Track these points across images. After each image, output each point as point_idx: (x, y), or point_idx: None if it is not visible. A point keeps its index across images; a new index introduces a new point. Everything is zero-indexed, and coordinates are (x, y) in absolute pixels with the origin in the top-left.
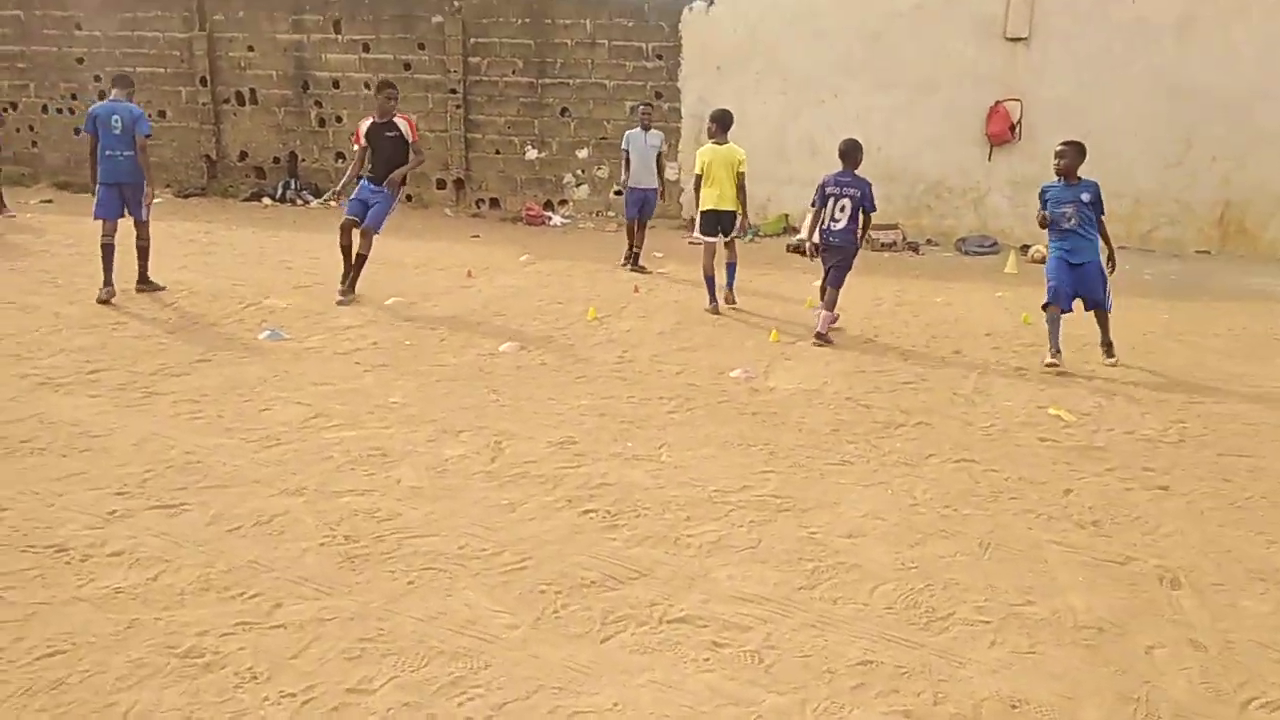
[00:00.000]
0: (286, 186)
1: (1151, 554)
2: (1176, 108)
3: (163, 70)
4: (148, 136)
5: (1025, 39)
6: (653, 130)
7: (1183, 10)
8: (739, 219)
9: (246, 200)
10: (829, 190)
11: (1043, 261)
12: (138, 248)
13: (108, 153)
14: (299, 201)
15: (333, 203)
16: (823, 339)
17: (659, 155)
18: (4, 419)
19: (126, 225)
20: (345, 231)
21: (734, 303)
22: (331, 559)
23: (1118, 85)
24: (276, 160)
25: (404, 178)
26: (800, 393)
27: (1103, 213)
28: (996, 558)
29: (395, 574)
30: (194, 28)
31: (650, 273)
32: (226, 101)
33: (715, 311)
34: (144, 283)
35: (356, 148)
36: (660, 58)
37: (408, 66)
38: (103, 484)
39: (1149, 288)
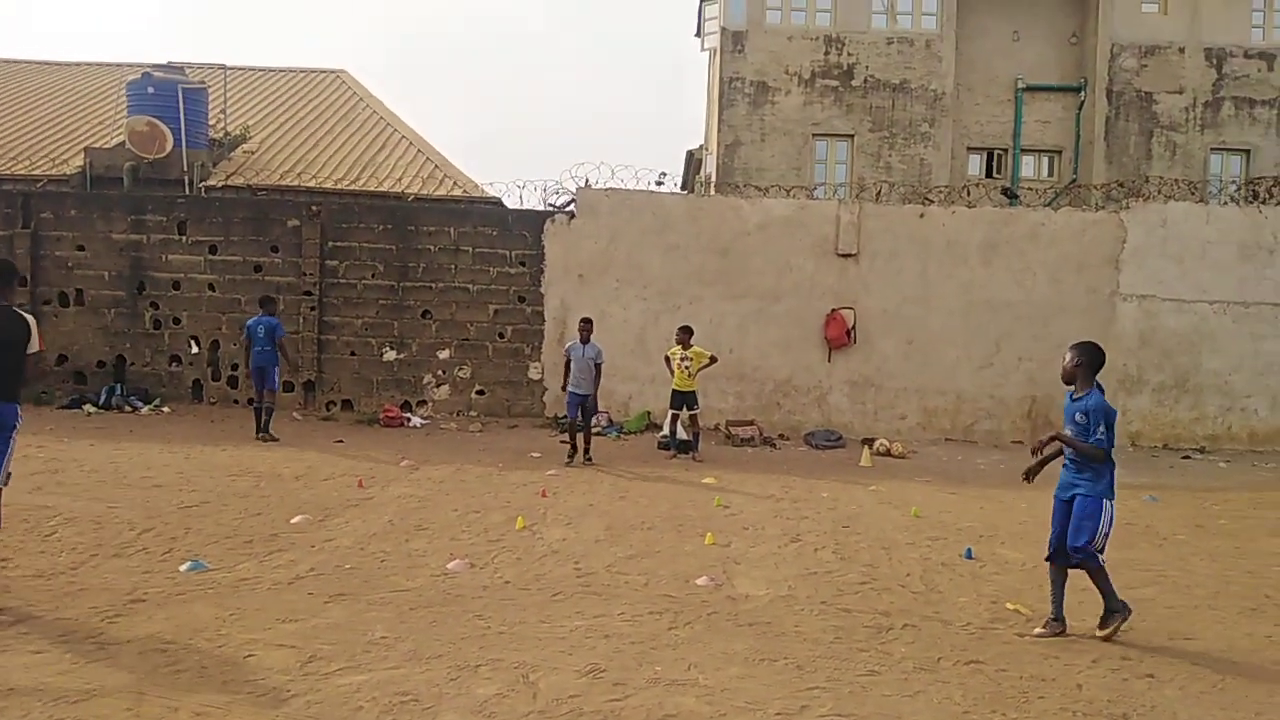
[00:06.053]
0: (111, 392)
1: None
2: (986, 317)
3: None
4: (283, 337)
5: (855, 255)
6: (591, 343)
7: (985, 236)
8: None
9: (64, 407)
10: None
11: (888, 455)
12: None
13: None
14: (127, 408)
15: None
16: None
17: (597, 365)
18: None
19: None
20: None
21: (701, 460)
22: None
23: (935, 297)
24: (101, 364)
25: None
26: (776, 599)
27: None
28: None
29: None
30: (16, 225)
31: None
32: (47, 302)
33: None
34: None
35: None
36: (523, 264)
37: (258, 269)
38: None
39: (988, 478)
